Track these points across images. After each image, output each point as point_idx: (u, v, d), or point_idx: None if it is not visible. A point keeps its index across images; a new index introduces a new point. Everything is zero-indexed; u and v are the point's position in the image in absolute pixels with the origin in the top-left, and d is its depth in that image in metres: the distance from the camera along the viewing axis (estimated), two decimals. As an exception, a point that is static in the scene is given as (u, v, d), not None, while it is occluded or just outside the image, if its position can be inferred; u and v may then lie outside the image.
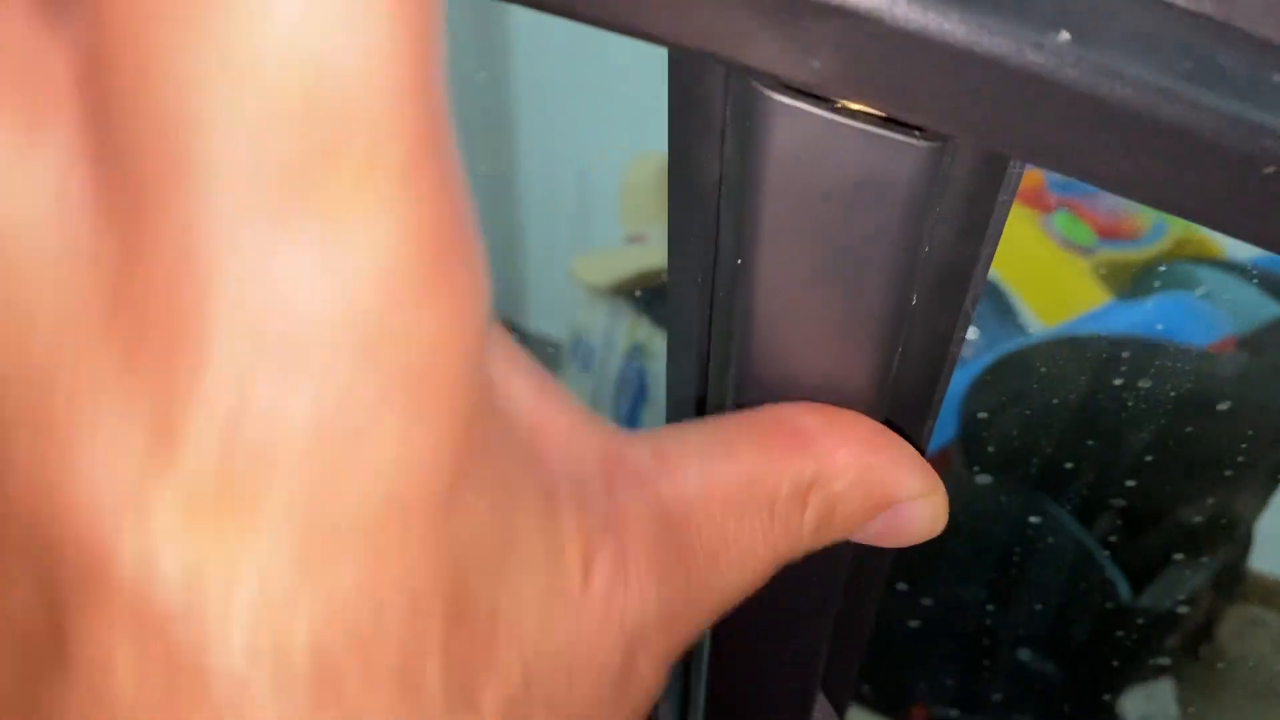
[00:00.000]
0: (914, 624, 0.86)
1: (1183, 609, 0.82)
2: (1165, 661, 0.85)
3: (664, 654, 0.19)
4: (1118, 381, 0.76)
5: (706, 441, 0.21)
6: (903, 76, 0.17)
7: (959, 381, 0.87)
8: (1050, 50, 0.16)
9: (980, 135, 0.18)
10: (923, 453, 0.27)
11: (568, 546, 0.17)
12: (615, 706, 0.18)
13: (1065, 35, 0.16)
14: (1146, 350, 0.78)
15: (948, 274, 0.23)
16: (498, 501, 0.16)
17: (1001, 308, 0.98)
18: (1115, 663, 0.82)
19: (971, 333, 1.03)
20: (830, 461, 0.21)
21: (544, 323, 1.23)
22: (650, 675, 0.19)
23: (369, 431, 0.13)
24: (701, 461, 0.20)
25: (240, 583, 0.13)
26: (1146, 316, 0.84)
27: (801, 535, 0.21)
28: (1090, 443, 0.77)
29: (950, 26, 0.16)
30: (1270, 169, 0.17)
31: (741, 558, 0.20)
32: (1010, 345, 0.84)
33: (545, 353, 1.15)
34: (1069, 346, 0.78)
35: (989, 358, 0.85)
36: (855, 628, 0.36)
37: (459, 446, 0.14)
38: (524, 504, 0.16)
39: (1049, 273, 0.96)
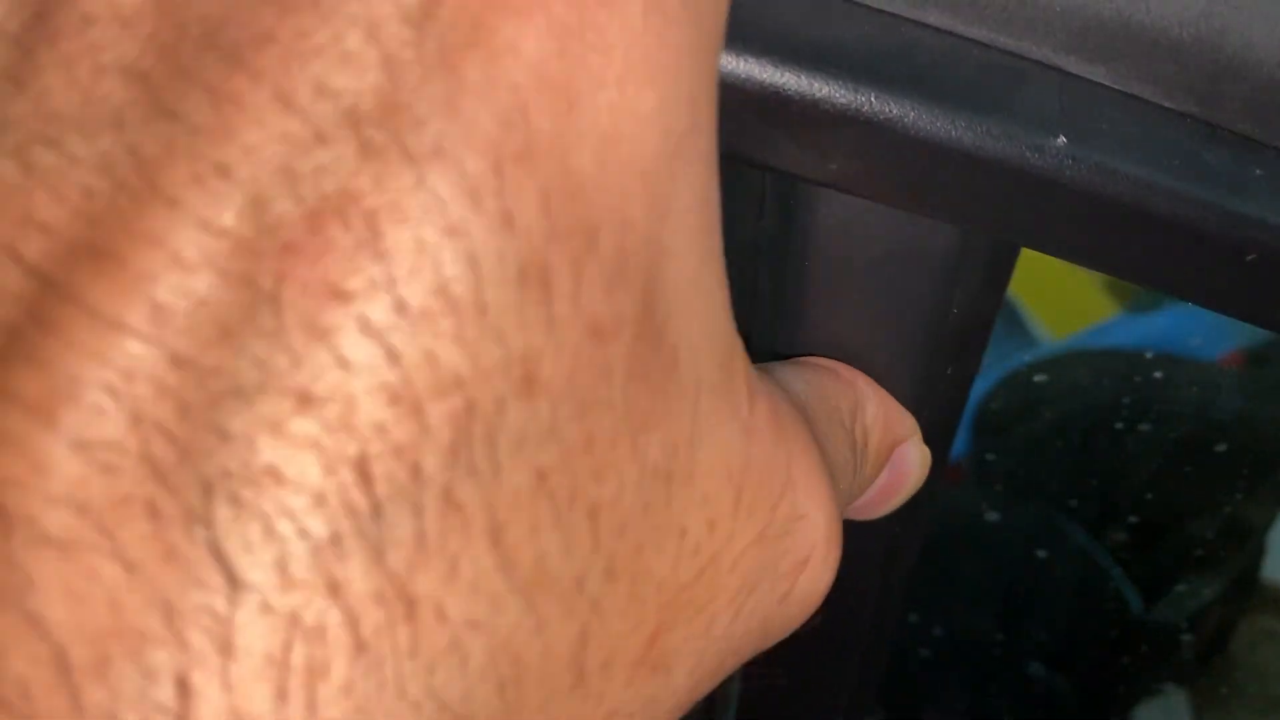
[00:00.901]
0: (926, 640, 0.87)
1: (1195, 621, 0.83)
2: (1178, 674, 0.86)
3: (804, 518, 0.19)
4: (1128, 396, 0.77)
5: (781, 368, 0.23)
6: (913, 177, 0.18)
7: (970, 396, 0.88)
8: (1049, 153, 0.18)
9: (988, 228, 0.19)
10: (939, 480, 0.28)
11: (736, 362, 0.17)
12: (767, 549, 0.18)
13: (1062, 139, 0.18)
14: (1156, 364, 0.79)
15: (969, 326, 0.25)
16: (697, 218, 0.15)
17: (1011, 320, 0.99)
18: (1128, 676, 0.83)
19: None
20: (861, 392, 0.24)
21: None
22: (798, 541, 0.18)
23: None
24: (792, 377, 0.22)
25: None
26: (1155, 329, 0.85)
27: (859, 464, 0.23)
28: (1100, 456, 0.78)
29: (957, 133, 0.18)
30: (1253, 256, 0.18)
31: (841, 469, 0.22)
32: (1021, 359, 0.85)
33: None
34: (1079, 361, 0.79)
35: (1000, 372, 0.86)
36: (875, 647, 0.38)
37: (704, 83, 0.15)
38: (714, 265, 0.16)
39: (1058, 284, 0.97)
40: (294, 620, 0.12)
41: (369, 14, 0.13)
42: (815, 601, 0.19)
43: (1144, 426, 0.77)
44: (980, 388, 0.86)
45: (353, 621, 0.13)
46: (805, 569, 0.18)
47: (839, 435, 0.22)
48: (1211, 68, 0.18)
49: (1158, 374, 0.78)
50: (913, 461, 0.25)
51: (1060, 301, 0.94)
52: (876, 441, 0.24)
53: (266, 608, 0.12)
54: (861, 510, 0.25)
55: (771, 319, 0.24)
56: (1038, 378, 0.82)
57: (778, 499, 0.17)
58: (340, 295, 0.13)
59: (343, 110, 0.13)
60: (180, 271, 0.12)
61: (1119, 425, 0.78)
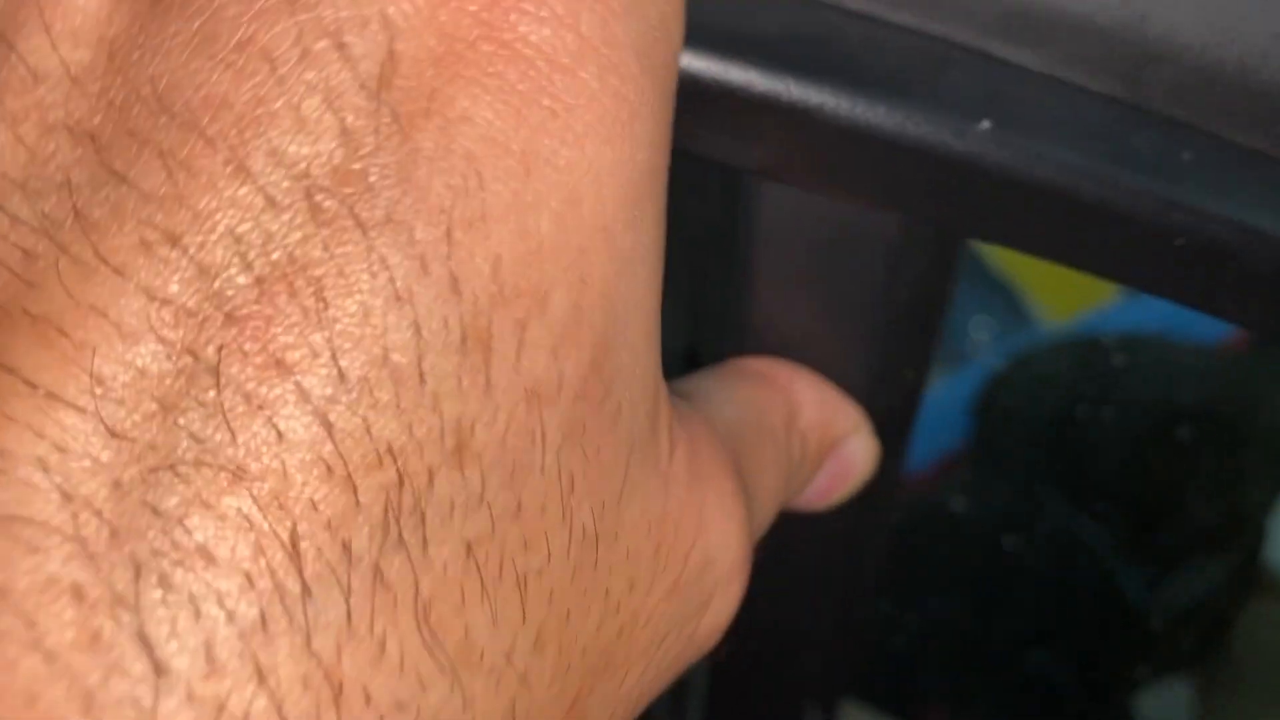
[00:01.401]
0: (926, 626, 0.87)
1: (1196, 607, 0.83)
2: (1179, 662, 0.85)
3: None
4: (1128, 380, 0.77)
5: (713, 385, 0.23)
6: (838, 164, 0.18)
7: (969, 382, 0.88)
8: (974, 138, 0.18)
9: (917, 214, 0.19)
10: (898, 474, 0.29)
11: (661, 410, 0.17)
12: (683, 606, 0.18)
13: (987, 123, 0.18)
14: (1157, 348, 0.78)
15: (918, 312, 0.25)
16: (648, 267, 0.16)
17: (1011, 305, 0.98)
18: (1129, 664, 0.83)
19: (982, 332, 1.04)
20: (798, 397, 0.24)
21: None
22: (720, 601, 0.19)
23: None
24: (722, 398, 0.22)
25: None
26: (1157, 312, 0.84)
27: (793, 471, 0.23)
28: (1101, 443, 0.78)
29: (879, 119, 0.18)
30: (1181, 239, 0.18)
31: (768, 488, 0.22)
32: (1020, 345, 0.84)
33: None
34: (1080, 346, 0.79)
35: (999, 357, 0.85)
36: (846, 637, 0.38)
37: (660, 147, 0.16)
38: (659, 307, 0.17)
39: (1058, 267, 0.96)
40: (220, 708, 0.12)
41: (327, 82, 0.13)
42: (723, 625, 0.19)
43: (1144, 412, 0.77)
44: (980, 373, 0.86)
45: (278, 707, 0.12)
46: (710, 606, 0.19)
47: (769, 452, 0.22)
48: (1138, 51, 0.17)
49: (1159, 360, 0.78)
50: (857, 456, 0.25)
51: (1061, 285, 0.94)
52: (815, 442, 0.24)
53: (191, 696, 0.12)
54: (805, 504, 0.25)
55: (719, 309, 0.24)
56: (1037, 364, 0.81)
57: (690, 548, 0.17)
58: (281, 366, 0.13)
59: (296, 177, 0.13)
60: (121, 342, 0.12)
61: (1119, 412, 0.77)
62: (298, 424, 0.12)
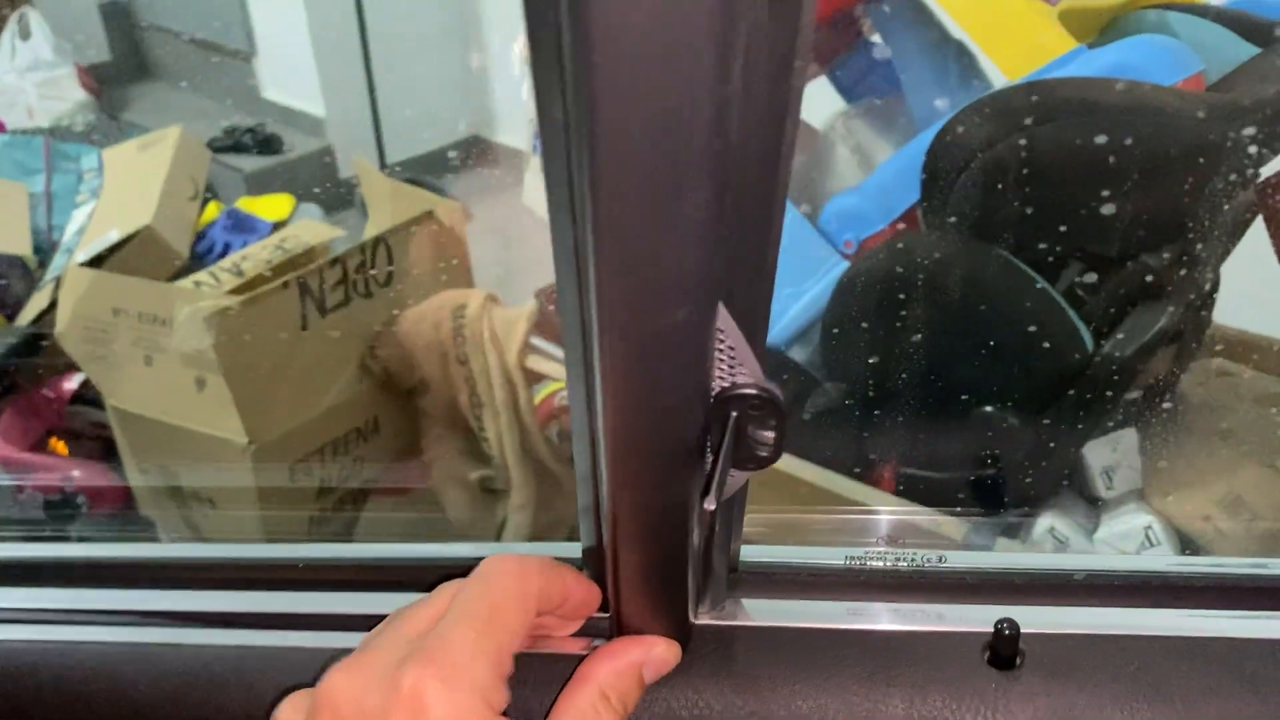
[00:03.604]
0: (880, 385, 0.87)
1: (1147, 358, 0.83)
2: (1129, 412, 0.86)
3: None
4: (1079, 122, 0.74)
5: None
6: None
7: (920, 143, 0.85)
8: None
9: None
10: (763, 333, 0.33)
11: None
12: None
13: None
14: (1110, 89, 0.75)
15: (764, 116, 0.26)
16: None
17: (966, 64, 0.95)
18: (1079, 414, 0.84)
19: (939, 101, 0.99)
20: (609, 678, 0.39)
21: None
22: None
23: None
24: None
25: None
26: (1113, 60, 0.82)
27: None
28: (1052, 189, 0.76)
29: None
30: None
31: None
32: (971, 98, 0.81)
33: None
34: (1028, 92, 0.75)
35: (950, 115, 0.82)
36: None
37: None
38: None
39: (1015, 23, 0.93)
40: None
41: None
42: None
43: (1097, 155, 0.74)
44: (927, 135, 0.83)
45: None
46: None
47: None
48: None
49: (1111, 101, 0.75)
50: (661, 664, 0.40)
51: (1016, 39, 0.90)
52: (632, 688, 0.39)
53: None
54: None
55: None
56: (986, 114, 0.79)
57: None
58: None
59: None
60: None
61: (1070, 156, 0.75)
62: None
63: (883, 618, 0.44)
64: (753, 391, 0.33)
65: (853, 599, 0.45)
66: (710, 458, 0.34)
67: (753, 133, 0.26)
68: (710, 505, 0.32)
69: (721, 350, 0.31)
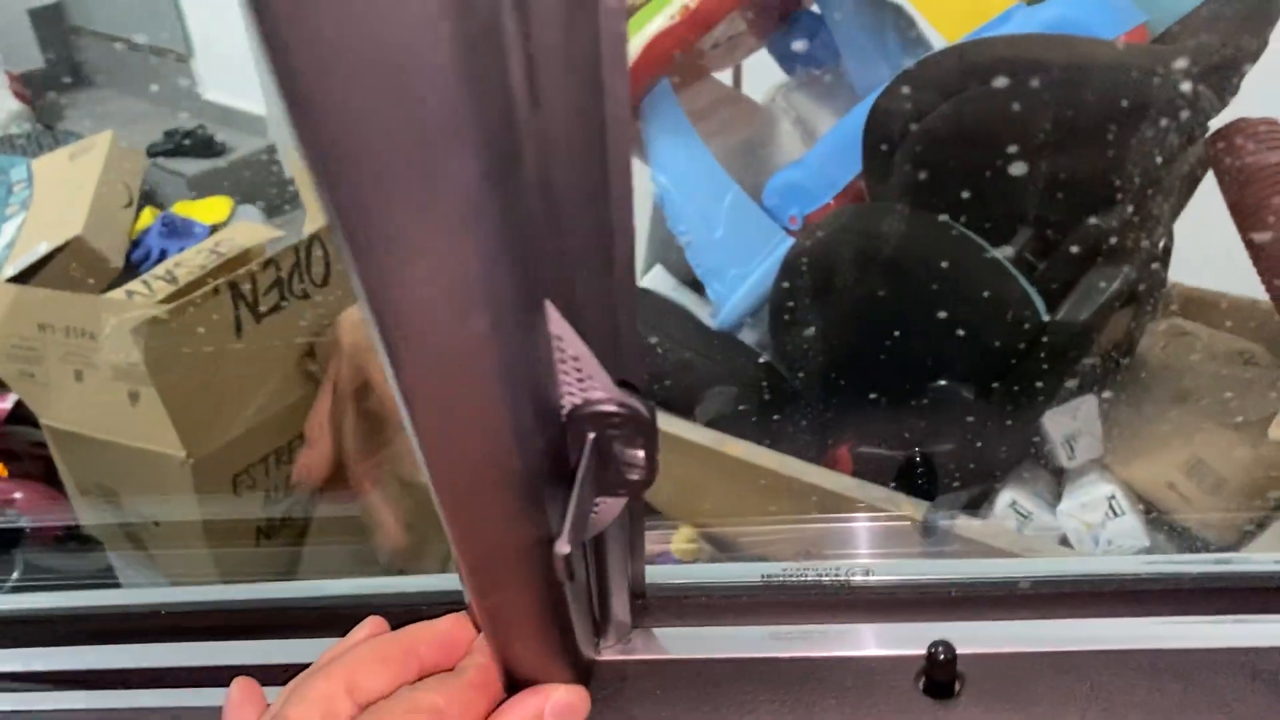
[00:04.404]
0: (833, 364, 0.84)
1: (1102, 323, 0.81)
2: (1087, 377, 0.84)
3: None
4: (1018, 82, 0.72)
5: None
6: None
7: (859, 113, 0.82)
8: None
9: None
10: (626, 335, 0.28)
11: None
12: None
13: None
14: (1050, 46, 0.73)
15: (568, 68, 0.21)
16: None
17: (905, 29, 0.92)
18: (1037, 383, 0.81)
19: (879, 69, 0.96)
20: None
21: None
22: None
23: None
24: None
25: None
26: (1052, 16, 0.79)
27: None
28: (995, 153, 0.73)
29: None
30: None
31: None
32: (909, 62, 0.78)
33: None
34: (965, 53, 0.73)
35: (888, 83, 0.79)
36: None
37: None
38: None
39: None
40: None
41: None
42: None
43: (1041, 115, 0.72)
44: (867, 105, 0.81)
45: None
46: None
47: None
48: None
49: (1052, 57, 0.73)
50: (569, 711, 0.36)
51: (952, 2, 0.87)
52: None
53: None
54: None
55: None
56: (925, 79, 0.76)
57: None
58: None
59: None
60: None
61: (1015, 117, 0.72)
62: None
63: (806, 643, 0.39)
64: (610, 409, 0.28)
65: (773, 622, 0.41)
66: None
67: (556, 91, 0.21)
68: (563, 549, 0.27)
69: (565, 361, 0.27)
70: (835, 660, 0.38)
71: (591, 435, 0.28)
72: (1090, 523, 0.78)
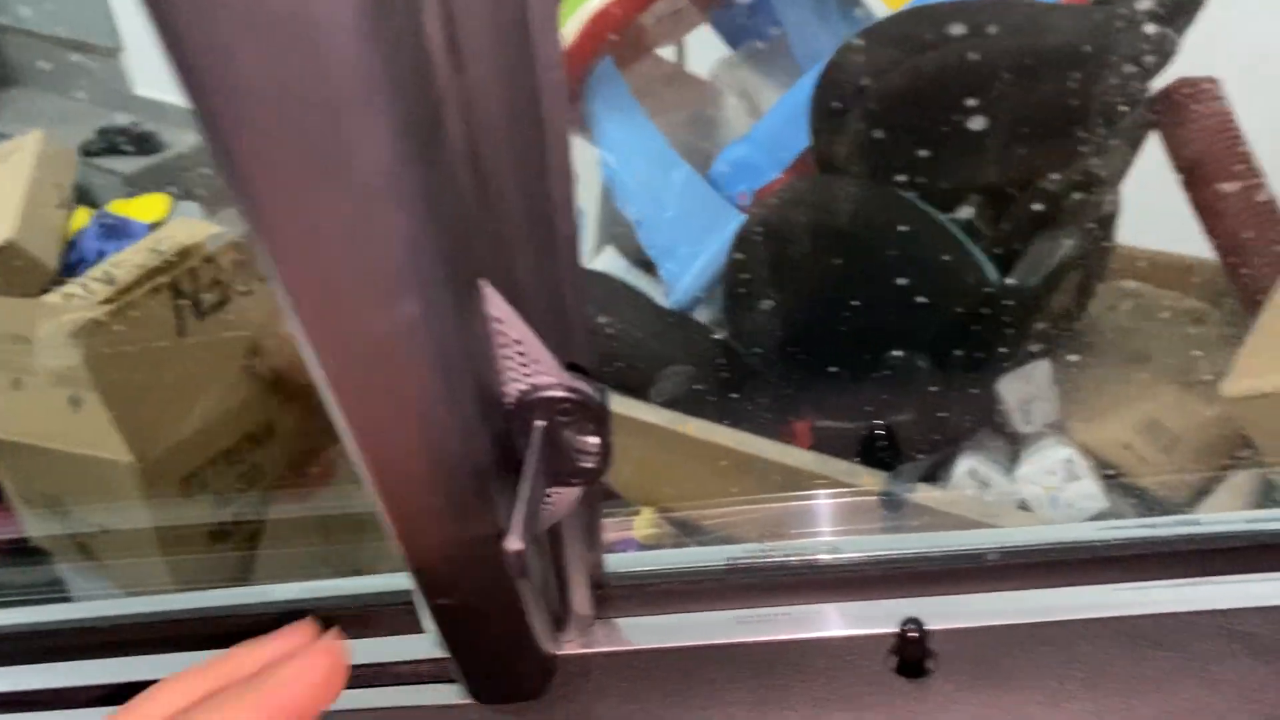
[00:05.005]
0: (788, 340, 0.84)
1: (1053, 286, 0.81)
2: (1039, 342, 0.84)
3: None
4: (959, 48, 0.71)
5: None
6: None
7: (804, 85, 0.82)
8: None
9: None
10: (573, 316, 0.26)
11: None
12: None
13: None
14: (990, 9, 0.72)
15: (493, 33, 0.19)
16: None
17: (847, 2, 0.91)
18: (992, 349, 0.81)
19: (823, 39, 0.95)
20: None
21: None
22: None
23: None
24: None
25: None
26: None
27: None
28: (939, 120, 0.73)
29: None
30: None
31: None
32: (851, 33, 0.78)
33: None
34: (907, 20, 0.72)
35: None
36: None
37: None
38: None
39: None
40: None
41: None
42: None
43: (984, 79, 0.71)
44: (807, 82, 0.80)
45: None
46: None
47: None
48: None
49: (993, 22, 0.72)
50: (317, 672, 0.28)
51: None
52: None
53: None
54: None
55: None
56: (868, 49, 0.75)
57: None
58: None
59: None
60: None
61: (960, 84, 0.72)
62: None
63: (773, 626, 0.38)
64: (558, 394, 0.26)
65: (739, 606, 0.39)
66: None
67: (481, 53, 0.19)
68: (514, 545, 0.25)
69: (507, 345, 0.25)
70: (805, 642, 0.37)
71: (540, 423, 0.27)
72: (1049, 486, 0.78)
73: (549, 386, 0.26)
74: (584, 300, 0.26)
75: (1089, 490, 0.77)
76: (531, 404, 0.27)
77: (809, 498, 0.70)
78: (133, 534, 1.03)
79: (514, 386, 0.26)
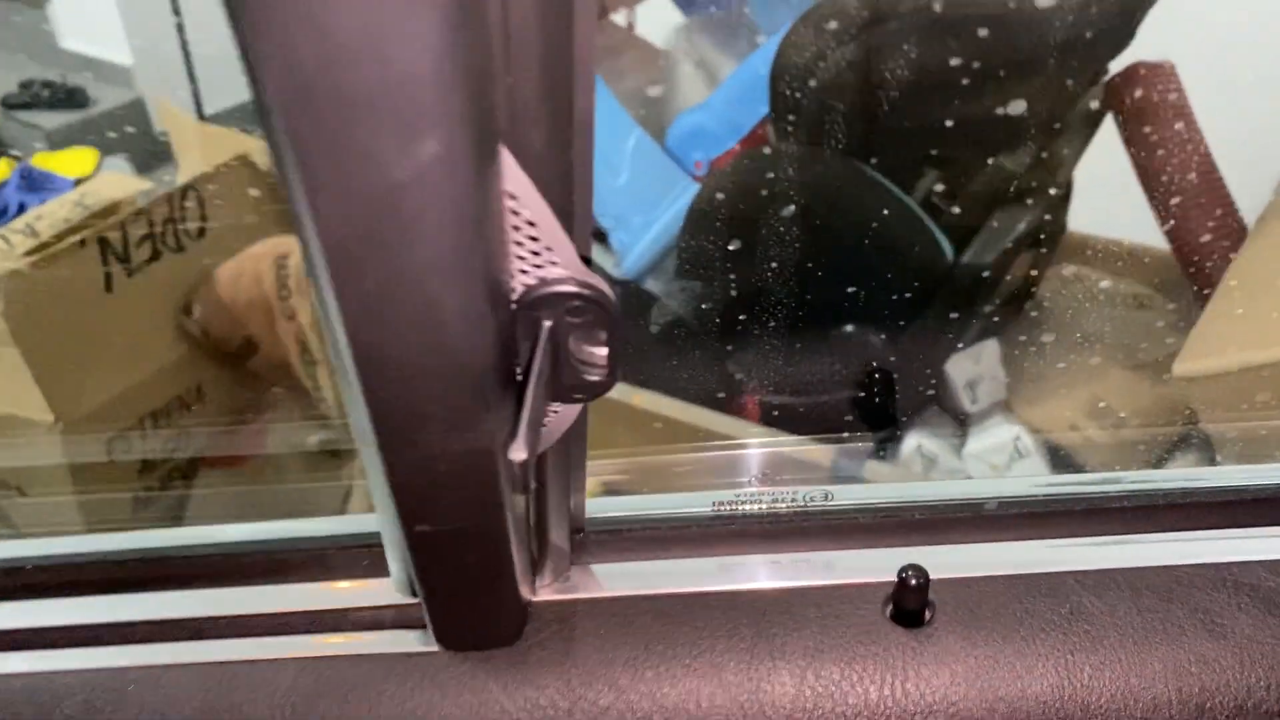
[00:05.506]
0: (740, 312, 0.83)
1: (1006, 265, 0.81)
2: (989, 323, 0.84)
3: None
4: (919, 22, 0.70)
5: None
6: None
7: (763, 54, 0.81)
8: None
9: None
10: (582, 206, 0.24)
11: None
12: None
13: None
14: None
15: None
16: None
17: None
18: (942, 327, 0.81)
19: (781, 7, 0.94)
20: None
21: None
22: None
23: None
24: None
25: None
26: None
27: None
28: (898, 93, 0.72)
29: None
30: None
31: None
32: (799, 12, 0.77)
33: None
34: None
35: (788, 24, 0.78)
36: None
37: None
38: None
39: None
40: None
41: None
42: None
43: (941, 53, 0.71)
44: (770, 45, 0.79)
45: None
46: None
47: None
48: None
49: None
50: None
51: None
52: None
53: None
54: None
55: None
56: (827, 17, 0.74)
57: None
58: None
59: None
60: None
61: (912, 57, 0.71)
62: None
63: (762, 573, 0.36)
64: (570, 289, 0.24)
65: (725, 553, 0.37)
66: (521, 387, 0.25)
67: None
68: (519, 454, 0.23)
69: (519, 229, 0.22)
70: (795, 591, 0.36)
71: (547, 323, 0.24)
72: (996, 464, 0.79)
73: (561, 280, 0.24)
74: (591, 191, 0.24)
75: (1037, 469, 0.78)
76: (540, 300, 0.24)
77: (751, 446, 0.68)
78: (51, 498, 0.99)
79: (521, 280, 0.24)
